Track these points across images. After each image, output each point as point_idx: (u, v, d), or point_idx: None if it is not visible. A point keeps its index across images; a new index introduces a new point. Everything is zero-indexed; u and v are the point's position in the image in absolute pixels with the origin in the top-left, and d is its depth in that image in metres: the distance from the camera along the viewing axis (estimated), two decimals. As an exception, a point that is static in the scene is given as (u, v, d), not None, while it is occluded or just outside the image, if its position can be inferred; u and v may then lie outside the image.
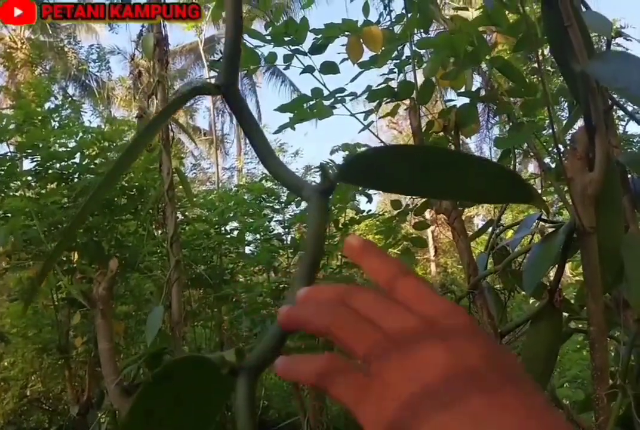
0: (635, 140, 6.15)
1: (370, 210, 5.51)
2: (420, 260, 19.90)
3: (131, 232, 6.46)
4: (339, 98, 2.35)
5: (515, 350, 2.16)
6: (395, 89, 2.30)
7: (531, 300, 6.00)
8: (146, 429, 0.55)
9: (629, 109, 2.34)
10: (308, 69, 2.34)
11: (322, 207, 0.57)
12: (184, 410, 0.56)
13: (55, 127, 6.14)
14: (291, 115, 2.44)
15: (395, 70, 2.46)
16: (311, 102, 2.34)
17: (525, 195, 0.56)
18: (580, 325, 2.42)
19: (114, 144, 6.22)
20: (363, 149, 5.32)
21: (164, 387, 0.54)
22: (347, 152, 5.51)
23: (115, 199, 6.06)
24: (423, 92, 2.21)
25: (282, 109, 2.36)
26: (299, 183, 0.62)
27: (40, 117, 5.95)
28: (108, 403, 6.52)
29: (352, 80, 2.41)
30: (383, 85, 2.36)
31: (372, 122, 2.52)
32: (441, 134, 2.29)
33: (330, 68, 2.33)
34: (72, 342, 6.23)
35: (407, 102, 2.40)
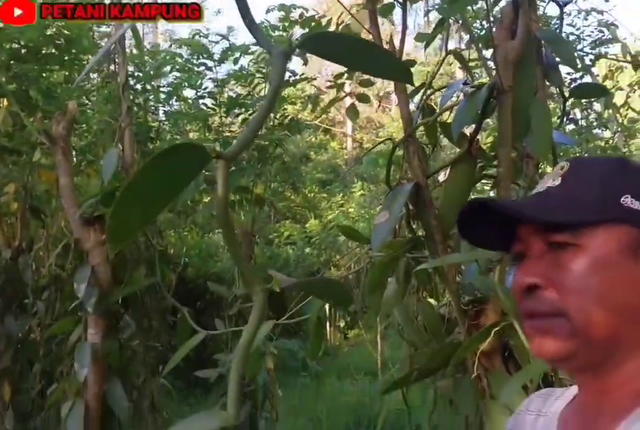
0: (552, 22, 6.53)
1: (303, 74, 5.67)
2: (337, 135, 20.23)
3: (59, 82, 6.40)
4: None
5: (436, 190, 2.58)
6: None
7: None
8: (142, 191, 0.71)
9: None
10: None
11: (284, 64, 0.83)
12: (169, 180, 0.73)
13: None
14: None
15: None
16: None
17: (408, 78, 0.96)
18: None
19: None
20: (297, 10, 5.42)
21: (163, 161, 0.71)
22: (282, 13, 5.60)
23: (44, 47, 5.95)
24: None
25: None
26: (269, 45, 0.86)
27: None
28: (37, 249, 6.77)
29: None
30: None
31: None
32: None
33: None
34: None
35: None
